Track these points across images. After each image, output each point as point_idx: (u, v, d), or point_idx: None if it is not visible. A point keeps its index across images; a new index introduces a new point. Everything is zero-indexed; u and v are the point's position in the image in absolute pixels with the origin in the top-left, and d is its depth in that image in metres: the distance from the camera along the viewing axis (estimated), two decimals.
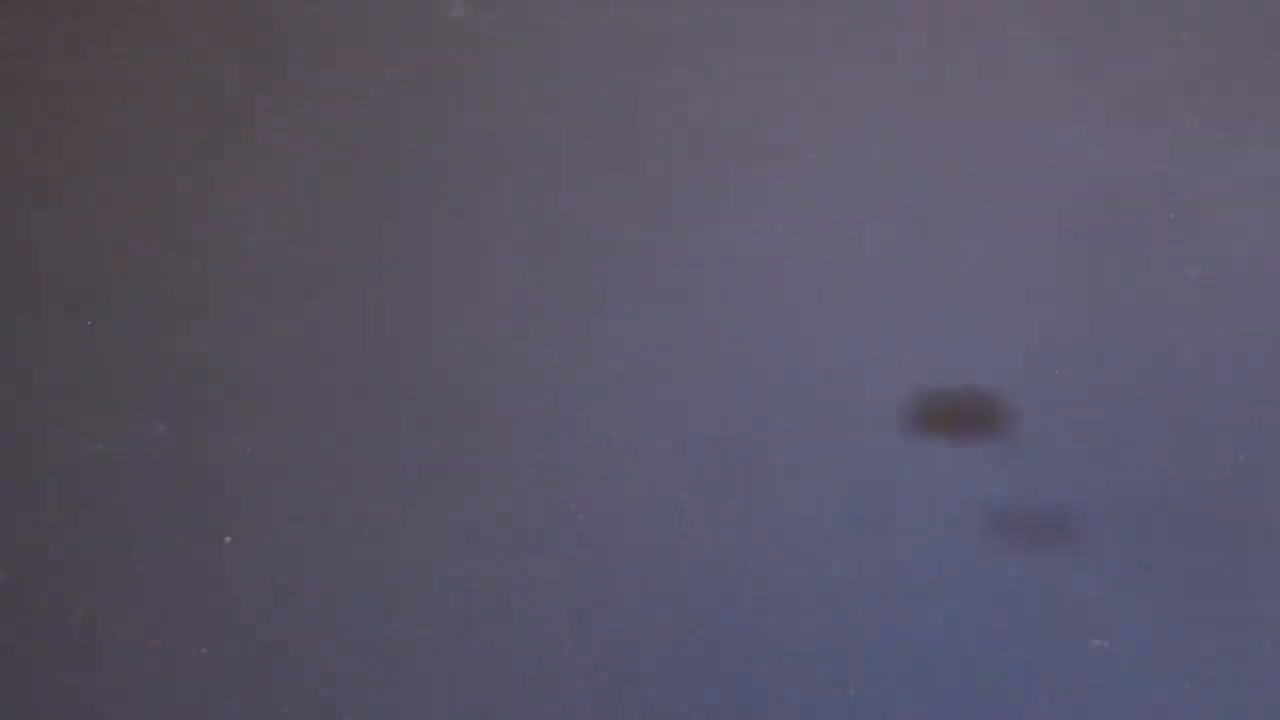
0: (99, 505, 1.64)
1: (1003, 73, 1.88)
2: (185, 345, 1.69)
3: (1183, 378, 1.80)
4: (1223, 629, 1.68)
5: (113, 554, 1.62)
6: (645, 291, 1.77)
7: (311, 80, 1.78)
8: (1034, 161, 1.85)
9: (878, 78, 1.86)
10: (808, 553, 1.69)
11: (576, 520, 1.68)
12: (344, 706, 1.60)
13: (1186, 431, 1.76)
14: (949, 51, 1.88)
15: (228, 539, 1.63)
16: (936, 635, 1.67)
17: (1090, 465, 1.75)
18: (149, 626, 1.60)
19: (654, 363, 1.75)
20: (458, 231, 1.77)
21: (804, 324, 1.77)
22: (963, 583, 1.69)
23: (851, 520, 1.71)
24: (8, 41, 1.77)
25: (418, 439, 1.69)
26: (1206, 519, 1.71)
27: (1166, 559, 1.72)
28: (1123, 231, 1.85)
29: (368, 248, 1.75)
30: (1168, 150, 1.89)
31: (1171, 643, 1.68)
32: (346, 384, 1.70)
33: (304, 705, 1.59)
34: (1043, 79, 1.88)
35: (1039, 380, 1.78)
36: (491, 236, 1.77)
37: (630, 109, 1.83)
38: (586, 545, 1.68)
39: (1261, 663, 1.67)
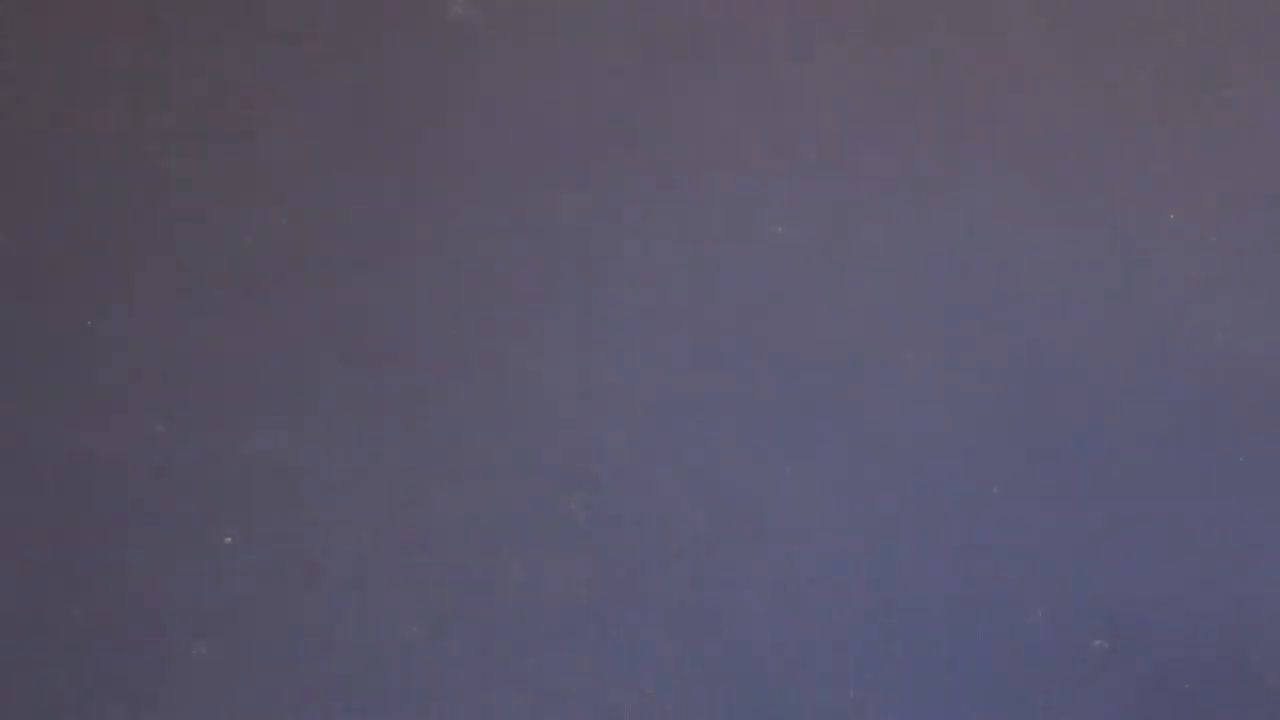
0: (98, 505, 1.64)
1: (1004, 73, 1.88)
2: (185, 345, 1.69)
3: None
4: None
5: (112, 554, 1.62)
6: (646, 291, 1.78)
7: (312, 80, 1.79)
8: (1034, 161, 1.86)
9: (878, 78, 1.86)
10: (808, 552, 1.69)
11: (577, 521, 1.69)
12: (344, 705, 1.60)
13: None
14: (949, 52, 1.89)
15: (228, 539, 1.64)
16: (938, 635, 1.67)
17: (1091, 466, 1.76)
18: (149, 626, 1.60)
19: (654, 363, 1.75)
20: (457, 231, 1.77)
21: (804, 324, 1.78)
22: (963, 582, 1.69)
23: (851, 520, 1.71)
24: (8, 41, 1.77)
25: (418, 440, 1.70)
26: None
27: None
28: (1123, 232, 1.85)
29: (368, 247, 1.75)
30: (1163, 153, 1.89)
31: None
32: (347, 385, 1.71)
33: (304, 704, 1.59)
34: (1045, 80, 1.89)
35: (1041, 380, 1.79)
36: (491, 236, 1.77)
37: (630, 109, 1.83)
38: (586, 546, 1.68)
39: None
